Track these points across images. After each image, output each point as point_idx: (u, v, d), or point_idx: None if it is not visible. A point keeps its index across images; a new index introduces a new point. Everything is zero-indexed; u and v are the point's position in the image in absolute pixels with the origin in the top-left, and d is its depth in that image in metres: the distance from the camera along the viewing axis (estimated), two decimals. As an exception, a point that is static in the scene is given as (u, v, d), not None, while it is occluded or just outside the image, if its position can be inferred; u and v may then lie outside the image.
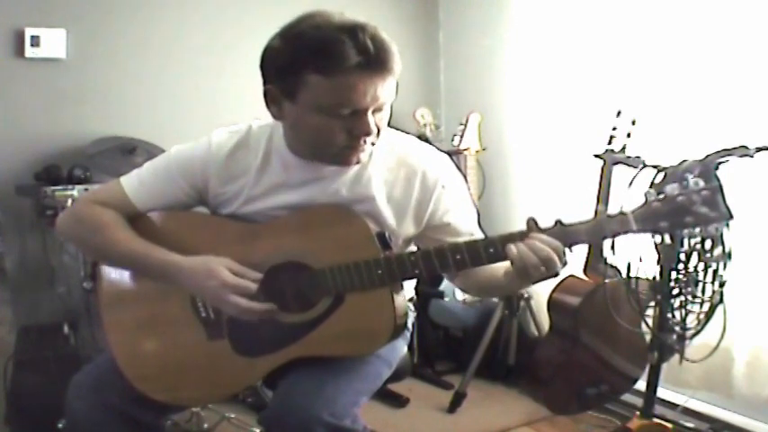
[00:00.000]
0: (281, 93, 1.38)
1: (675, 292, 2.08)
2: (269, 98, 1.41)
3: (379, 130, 1.41)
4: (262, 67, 1.40)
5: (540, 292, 2.93)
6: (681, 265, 2.04)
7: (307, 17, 1.35)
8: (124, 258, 1.50)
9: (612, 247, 2.02)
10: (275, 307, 1.43)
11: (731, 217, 1.25)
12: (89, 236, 1.53)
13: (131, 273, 1.54)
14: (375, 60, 1.31)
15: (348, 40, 1.29)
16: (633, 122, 2.46)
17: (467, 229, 1.55)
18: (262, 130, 1.51)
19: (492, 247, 1.36)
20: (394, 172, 1.51)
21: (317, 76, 1.31)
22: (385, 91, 1.35)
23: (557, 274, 1.33)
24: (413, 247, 1.60)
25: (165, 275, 1.46)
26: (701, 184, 1.27)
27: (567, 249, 1.32)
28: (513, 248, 1.32)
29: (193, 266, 1.44)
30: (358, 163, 1.46)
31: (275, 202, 1.50)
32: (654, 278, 2.09)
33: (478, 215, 1.63)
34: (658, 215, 1.28)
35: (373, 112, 1.37)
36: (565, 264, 1.32)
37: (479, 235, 1.54)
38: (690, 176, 1.74)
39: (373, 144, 1.43)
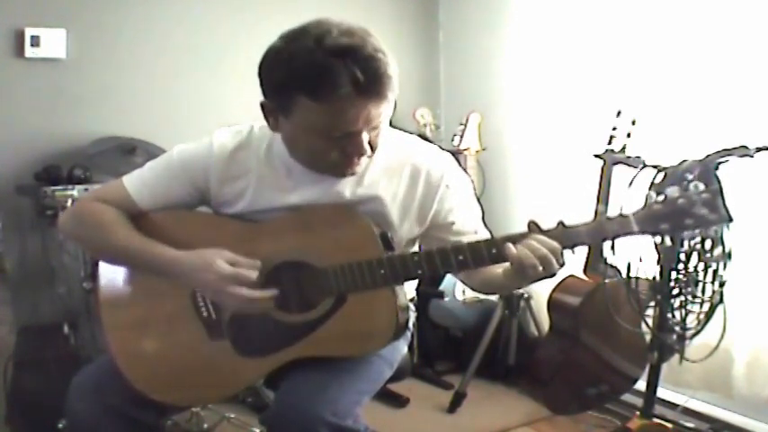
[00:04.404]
0: (276, 109, 1.38)
1: (675, 292, 2.08)
2: (265, 111, 1.41)
3: (374, 146, 1.40)
4: (259, 73, 1.39)
5: (540, 292, 2.93)
6: (681, 266, 2.04)
7: (303, 32, 1.32)
8: (124, 255, 1.50)
9: (612, 248, 2.03)
10: (277, 292, 1.42)
11: (731, 219, 1.26)
12: (90, 233, 1.54)
13: (130, 272, 1.54)
14: (368, 88, 1.29)
15: (340, 68, 1.27)
16: (633, 122, 2.47)
17: (471, 227, 1.55)
18: (263, 132, 1.51)
19: (494, 248, 1.36)
20: (397, 172, 1.51)
21: (308, 100, 1.31)
22: (380, 113, 1.35)
23: (554, 274, 1.33)
24: (416, 247, 1.61)
25: (165, 272, 1.45)
26: (701, 186, 1.28)
27: (565, 250, 1.33)
28: (511, 248, 1.32)
29: (190, 261, 1.43)
30: (353, 175, 1.46)
31: (278, 204, 1.50)
32: (654, 278, 2.09)
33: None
34: (659, 217, 1.28)
35: (368, 131, 1.37)
36: (562, 264, 1.33)
37: (484, 233, 1.55)
38: (690, 177, 1.75)
39: (369, 157, 1.43)
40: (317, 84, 1.29)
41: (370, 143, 1.38)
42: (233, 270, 1.40)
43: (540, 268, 1.30)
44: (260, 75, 1.38)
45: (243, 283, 1.39)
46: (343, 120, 1.32)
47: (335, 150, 1.38)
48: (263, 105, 1.41)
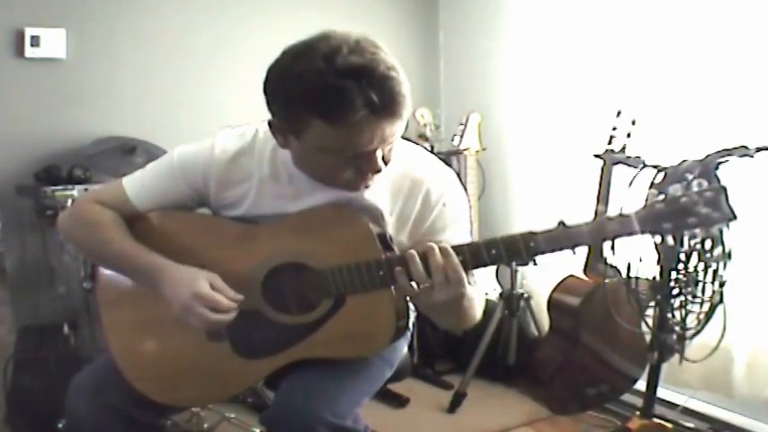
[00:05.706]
0: (286, 129, 1.35)
1: (675, 292, 2.08)
2: (273, 129, 1.38)
3: (387, 161, 1.38)
4: (265, 91, 1.34)
5: (540, 292, 2.94)
6: (681, 265, 2.04)
7: (309, 49, 1.26)
8: (115, 258, 1.49)
9: (612, 248, 2.02)
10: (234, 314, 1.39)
11: (734, 218, 1.24)
12: (86, 235, 1.53)
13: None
14: (383, 109, 1.26)
15: (355, 91, 1.23)
16: (633, 122, 2.47)
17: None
18: (267, 137, 1.46)
19: (494, 249, 1.32)
20: (398, 184, 1.49)
21: (322, 123, 1.27)
22: (394, 131, 1.32)
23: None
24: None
25: (150, 279, 1.43)
26: (705, 185, 1.27)
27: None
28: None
29: (179, 275, 1.41)
30: (366, 188, 1.44)
31: (279, 211, 1.48)
32: (654, 278, 2.09)
33: (479, 215, 1.61)
34: (661, 216, 1.27)
35: (382, 147, 1.34)
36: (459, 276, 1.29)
37: None
38: (690, 176, 1.74)
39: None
40: (332, 107, 1.25)
41: (383, 158, 1.36)
42: (210, 292, 1.37)
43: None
44: (266, 93, 1.34)
45: (212, 307, 1.37)
46: (359, 141, 1.29)
47: (349, 168, 1.36)
48: (270, 124, 1.38)
